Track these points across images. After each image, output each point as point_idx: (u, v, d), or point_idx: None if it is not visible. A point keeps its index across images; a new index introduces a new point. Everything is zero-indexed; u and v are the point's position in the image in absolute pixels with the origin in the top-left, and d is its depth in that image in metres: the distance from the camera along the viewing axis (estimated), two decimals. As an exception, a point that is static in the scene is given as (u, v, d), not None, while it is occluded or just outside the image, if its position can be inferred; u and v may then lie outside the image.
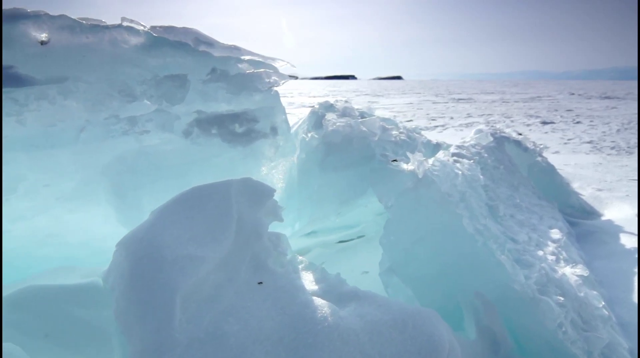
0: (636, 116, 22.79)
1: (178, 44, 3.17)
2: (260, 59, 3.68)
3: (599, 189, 8.56)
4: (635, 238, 5.85)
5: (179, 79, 3.09)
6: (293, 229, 3.73)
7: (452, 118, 24.44)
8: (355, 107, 4.23)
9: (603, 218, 7.13)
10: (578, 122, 20.75)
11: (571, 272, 3.50)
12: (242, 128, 3.44)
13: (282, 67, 3.81)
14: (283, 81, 3.72)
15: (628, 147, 13.63)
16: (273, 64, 3.75)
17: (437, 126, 21.02)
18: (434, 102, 37.75)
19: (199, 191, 2.30)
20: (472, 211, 3.08)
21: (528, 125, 20.56)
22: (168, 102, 3.09)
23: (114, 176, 2.99)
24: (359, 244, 5.24)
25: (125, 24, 3.01)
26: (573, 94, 49.48)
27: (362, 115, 3.99)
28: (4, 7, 2.75)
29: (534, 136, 16.99)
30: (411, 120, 23.50)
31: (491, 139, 6.49)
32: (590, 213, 7.35)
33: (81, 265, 3.45)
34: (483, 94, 51.59)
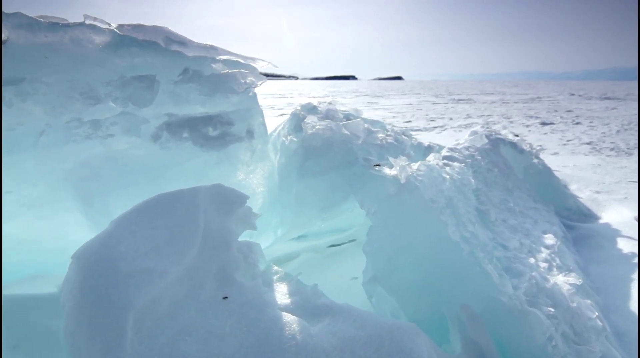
0: (636, 116, 22.65)
1: (147, 43, 3.02)
2: (238, 59, 3.52)
3: (597, 192, 8.42)
4: (633, 243, 5.71)
5: (147, 80, 2.94)
6: (276, 235, 3.59)
7: (451, 119, 24.31)
8: (342, 109, 4.10)
9: (601, 221, 7.00)
10: (578, 123, 20.61)
11: (564, 280, 3.36)
12: (216, 131, 3.29)
13: (264, 67, 3.67)
14: (260, 82, 3.56)
15: (627, 148, 13.49)
16: (253, 64, 3.59)
17: (435, 127, 20.88)
18: (433, 103, 37.62)
19: (164, 199, 2.16)
20: (459, 217, 2.94)
21: (527, 126, 20.41)
22: (135, 105, 2.93)
23: (78, 182, 2.84)
24: (350, 248, 5.11)
25: (87, 22, 2.87)
26: (573, 94, 49.35)
27: (348, 117, 3.85)
28: None
29: (533, 136, 16.86)
30: (410, 121, 23.38)
31: (486, 141, 6.36)
32: (587, 216, 7.21)
33: (55, 273, 3.32)
34: (483, 95, 51.47)
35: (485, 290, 2.62)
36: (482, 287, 2.63)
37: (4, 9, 2.87)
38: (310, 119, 3.28)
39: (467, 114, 26.63)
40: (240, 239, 4.51)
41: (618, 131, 17.30)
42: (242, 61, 3.53)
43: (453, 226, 2.77)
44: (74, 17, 3.06)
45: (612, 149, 13.37)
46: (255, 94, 3.56)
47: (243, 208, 2.36)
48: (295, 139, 3.16)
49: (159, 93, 3.00)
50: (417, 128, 20.23)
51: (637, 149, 13.10)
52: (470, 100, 41.34)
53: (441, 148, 5.46)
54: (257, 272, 2.23)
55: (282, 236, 3.48)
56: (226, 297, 1.95)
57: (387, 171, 2.78)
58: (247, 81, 3.44)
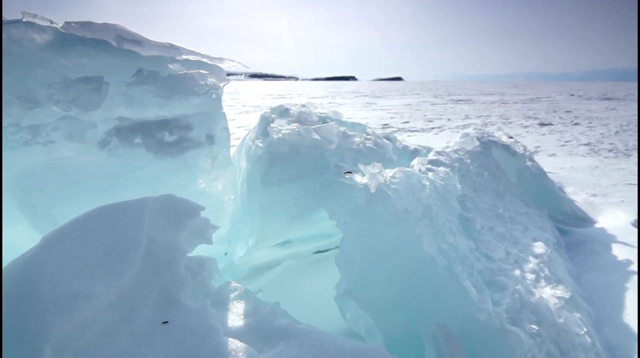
0: (635, 117, 22.47)
1: (95, 42, 2.79)
2: (203, 59, 3.30)
3: (594, 195, 8.23)
4: (628, 248, 5.52)
5: (94, 82, 2.72)
6: (248, 245, 3.40)
7: (449, 120, 24.14)
8: (320, 111, 3.90)
9: (596, 226, 6.81)
10: (576, 124, 20.43)
11: (551, 293, 3.17)
12: (172, 137, 3.08)
13: (234, 68, 3.47)
14: (223, 83, 3.34)
15: (626, 149, 13.29)
16: (220, 64, 3.38)
17: (433, 128, 20.71)
18: (432, 104, 37.47)
19: (104, 212, 1.97)
20: (437, 228, 2.75)
21: (526, 127, 20.23)
22: (79, 108, 2.71)
23: (21, 193, 2.64)
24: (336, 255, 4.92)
25: (26, 19, 2.66)
26: (573, 95, 49.20)
27: (324, 120, 3.65)
28: None
29: (532, 137, 16.68)
30: (408, 122, 23.24)
31: (477, 143, 6.17)
32: (583, 220, 7.02)
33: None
34: (482, 96, 51.34)
35: (463, 307, 2.43)
36: (459, 304, 2.44)
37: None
38: (278, 122, 3.08)
39: (466, 115, 26.46)
40: (216, 251, 4.28)
41: (617, 132, 17.12)
42: (207, 61, 3.32)
43: (429, 238, 2.58)
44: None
45: (610, 150, 13.17)
46: (219, 97, 3.34)
47: (196, 220, 2.18)
48: (261, 145, 2.97)
49: (109, 96, 2.79)
50: (414, 129, 20.08)
51: (635, 151, 12.90)
52: (470, 101, 41.18)
53: (429, 151, 5.27)
54: (209, 291, 2.05)
55: (253, 247, 3.29)
56: (166, 322, 1.76)
57: (358, 178, 2.59)
58: (209, 82, 3.22)
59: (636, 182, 9.17)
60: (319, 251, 5.27)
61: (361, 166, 2.60)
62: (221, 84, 3.30)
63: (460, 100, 42.30)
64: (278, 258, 4.94)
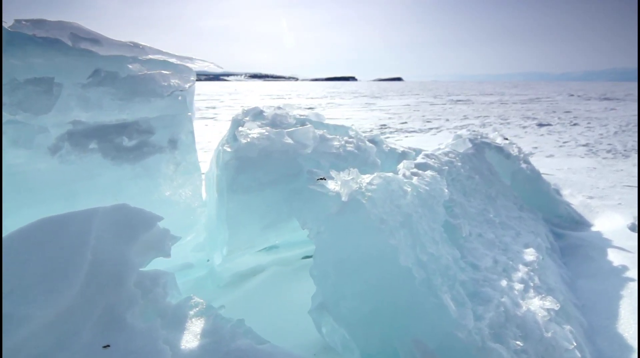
0: (635, 117, 22.32)
1: (47, 41, 2.62)
2: (170, 59, 3.13)
3: (590, 197, 8.07)
4: (624, 254, 5.37)
5: (44, 83, 2.56)
6: (223, 253, 3.25)
7: (447, 120, 24.01)
8: (299, 113, 3.74)
9: (593, 229, 6.66)
10: (575, 124, 20.27)
11: (539, 305, 3.02)
12: (131, 142, 2.92)
13: (207, 68, 3.31)
14: (188, 84, 3.17)
15: (625, 150, 13.14)
16: (190, 64, 3.22)
17: (431, 129, 20.57)
18: (431, 104, 37.35)
19: (47, 224, 1.82)
20: (417, 237, 2.60)
21: (524, 127, 20.08)
22: (28, 112, 2.56)
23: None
24: (324, 260, 4.76)
25: None
26: (572, 95, 49.08)
27: (303, 122, 3.49)
28: None
29: (530, 138, 16.53)
30: (406, 122, 23.13)
31: (470, 145, 6.02)
32: (579, 223, 6.88)
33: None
34: (482, 96, 51.22)
35: (441, 323, 2.28)
36: (438, 320, 2.29)
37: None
38: (248, 126, 2.92)
39: (465, 115, 26.33)
40: (198, 259, 4.11)
41: (616, 133, 16.96)
42: (175, 61, 3.16)
43: (407, 249, 2.43)
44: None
45: (608, 151, 13.02)
46: (185, 99, 3.17)
47: (152, 231, 2.03)
48: (229, 150, 2.80)
49: (63, 98, 2.62)
50: (412, 129, 19.94)
51: (634, 152, 12.73)
52: (469, 101, 41.05)
53: (418, 153, 5.11)
54: (163, 309, 1.89)
55: (228, 256, 3.13)
56: (107, 346, 1.61)
57: (331, 185, 2.44)
58: (172, 83, 3.05)
59: (635, 184, 9.01)
60: (307, 257, 5.13)
61: (333, 173, 2.44)
62: (186, 85, 3.13)
63: (459, 100, 42.19)
64: (263, 264, 4.80)
